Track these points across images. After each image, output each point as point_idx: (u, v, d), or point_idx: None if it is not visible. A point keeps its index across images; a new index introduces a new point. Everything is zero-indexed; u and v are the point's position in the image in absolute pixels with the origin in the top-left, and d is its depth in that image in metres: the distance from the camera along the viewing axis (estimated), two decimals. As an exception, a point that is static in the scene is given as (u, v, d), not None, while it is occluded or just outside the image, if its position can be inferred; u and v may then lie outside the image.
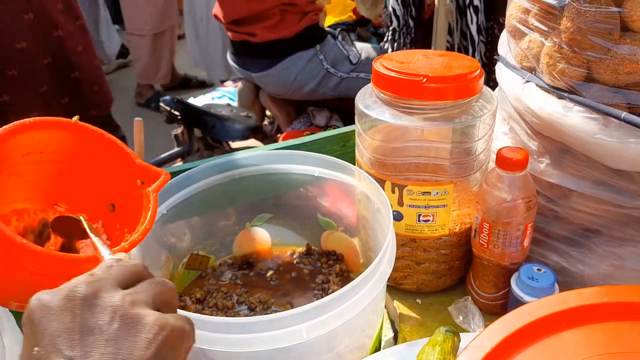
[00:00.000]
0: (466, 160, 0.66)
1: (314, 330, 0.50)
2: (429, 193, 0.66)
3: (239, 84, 1.73)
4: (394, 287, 0.78)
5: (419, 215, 0.68)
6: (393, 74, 0.63)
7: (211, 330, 0.49)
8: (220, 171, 0.75)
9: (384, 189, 0.65)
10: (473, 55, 1.50)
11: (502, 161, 0.61)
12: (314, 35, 1.62)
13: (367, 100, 0.68)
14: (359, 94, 0.71)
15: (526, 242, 0.66)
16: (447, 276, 0.74)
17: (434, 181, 0.66)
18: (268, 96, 1.64)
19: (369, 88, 0.71)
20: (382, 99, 0.66)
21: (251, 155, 0.78)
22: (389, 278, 0.74)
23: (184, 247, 0.78)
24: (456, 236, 0.71)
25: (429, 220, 0.69)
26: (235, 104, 1.69)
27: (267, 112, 1.75)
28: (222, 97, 1.92)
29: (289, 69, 1.56)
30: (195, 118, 1.40)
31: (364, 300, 0.52)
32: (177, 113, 1.41)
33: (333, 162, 0.73)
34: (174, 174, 0.71)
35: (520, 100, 0.64)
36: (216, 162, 0.75)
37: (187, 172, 0.73)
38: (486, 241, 0.66)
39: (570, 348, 0.43)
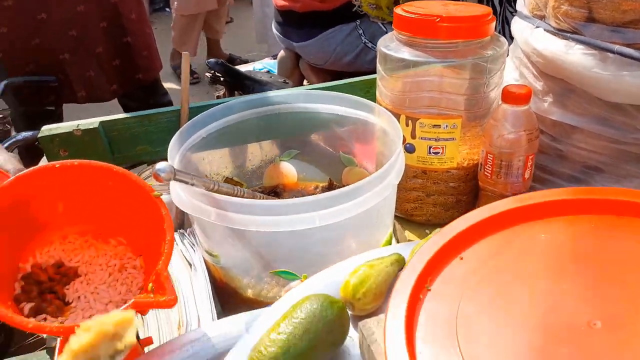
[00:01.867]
0: (476, 97, 0.72)
1: (326, 218, 0.58)
2: (439, 126, 0.73)
3: (281, 53, 1.83)
4: (405, 219, 0.85)
5: (430, 148, 0.75)
6: (411, 16, 0.71)
7: (238, 212, 0.57)
8: (256, 106, 0.84)
9: (399, 122, 0.73)
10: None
11: (507, 96, 0.68)
12: (354, 10, 1.70)
13: (388, 43, 0.76)
14: (380, 40, 0.78)
15: (527, 174, 0.72)
16: (455, 209, 0.81)
17: (445, 115, 0.73)
18: (308, 65, 1.74)
19: (389, 34, 0.78)
20: (401, 40, 0.74)
21: (284, 93, 0.86)
22: (400, 210, 0.83)
23: (219, 173, 0.88)
24: (464, 170, 0.78)
25: (438, 153, 0.75)
26: (274, 74, 1.80)
27: (305, 82, 1.84)
28: (263, 68, 2.03)
29: (329, 40, 1.64)
30: (237, 81, 1.51)
31: (372, 200, 0.60)
32: (220, 75, 1.52)
33: (356, 100, 0.80)
34: (214, 105, 0.80)
35: (528, 43, 0.70)
36: (253, 97, 0.84)
37: (226, 103, 0.82)
38: (490, 172, 0.72)
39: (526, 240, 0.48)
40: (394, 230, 0.84)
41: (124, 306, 0.47)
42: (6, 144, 1.17)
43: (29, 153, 1.37)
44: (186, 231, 0.78)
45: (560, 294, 0.43)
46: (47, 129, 0.79)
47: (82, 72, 1.62)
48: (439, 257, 0.49)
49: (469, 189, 0.80)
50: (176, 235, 0.77)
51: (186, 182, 0.57)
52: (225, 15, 3.76)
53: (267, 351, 0.44)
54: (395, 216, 0.84)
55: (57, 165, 0.58)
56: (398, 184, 0.71)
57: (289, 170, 0.93)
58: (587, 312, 0.40)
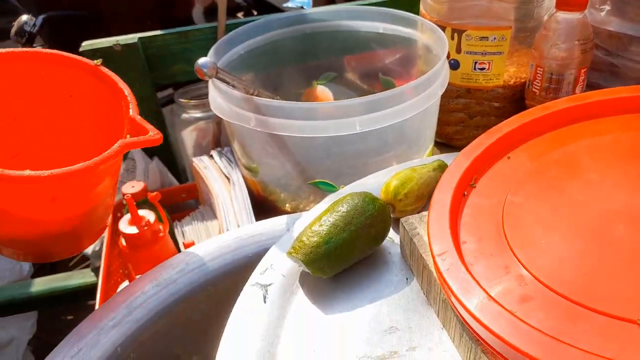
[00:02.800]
0: (528, 6, 0.68)
1: (366, 124, 0.57)
2: (486, 38, 0.69)
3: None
4: (446, 144, 0.83)
5: (475, 63, 0.72)
6: None
7: (278, 116, 0.57)
8: (294, 23, 0.82)
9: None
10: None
11: (562, 1, 0.63)
12: None
13: (435, -50, 0.72)
14: (428, -52, 0.74)
15: (578, 90, 0.68)
16: (498, 131, 0.78)
17: (493, 26, 0.69)
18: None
19: (438, -58, 0.74)
20: (449, -54, 0.69)
21: (321, 10, 0.84)
22: (440, 134, 0.80)
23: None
24: (510, 89, 0.75)
25: (484, 69, 0.72)
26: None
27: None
28: (297, 4, 1.98)
29: None
30: (268, 12, 1.48)
31: (414, 107, 0.58)
32: (253, 8, 1.50)
33: (397, 15, 0.77)
34: (247, 23, 0.78)
35: (589, -56, 0.65)
36: (291, 14, 0.82)
37: (264, 19, 0.80)
38: (539, 88, 0.69)
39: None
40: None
41: (112, 148, 0.44)
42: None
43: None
44: (223, 149, 0.78)
45: (614, 184, 0.41)
46: (89, 44, 0.80)
47: (116, 7, 1.62)
48: (485, 155, 0.48)
49: (514, 111, 0.77)
50: (214, 153, 0.78)
51: (227, 82, 0.56)
52: None
53: (309, 241, 0.45)
54: (435, 142, 0.82)
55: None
56: (439, 107, 0.69)
57: (325, 94, 0.91)
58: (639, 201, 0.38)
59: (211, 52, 0.68)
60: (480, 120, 0.78)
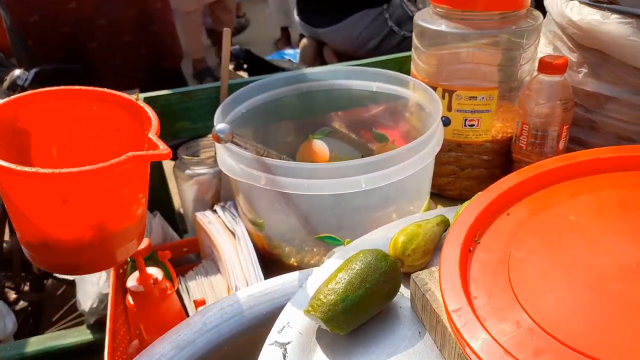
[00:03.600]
0: (511, 69, 0.74)
1: (371, 182, 0.60)
2: (475, 98, 0.75)
3: (303, 41, 1.86)
4: (439, 195, 0.87)
5: (465, 120, 0.77)
6: (449, -11, 0.72)
7: (287, 176, 0.60)
8: (293, 82, 0.86)
9: (434, 96, 0.75)
10: None
11: (544, 65, 0.69)
12: None
13: (426, 17, 0.78)
14: (417, 15, 0.80)
15: (561, 145, 0.73)
16: (489, 183, 0.82)
17: (481, 87, 0.75)
18: (332, 52, 1.76)
19: (427, 9, 0.80)
20: (438, 14, 0.75)
21: (318, 70, 0.89)
22: (434, 185, 0.85)
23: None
24: (498, 143, 0.80)
25: (474, 125, 0.77)
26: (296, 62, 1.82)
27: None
28: (284, 57, 2.06)
29: (355, 24, 1.67)
30: (259, 68, 1.53)
31: (414, 165, 0.62)
32: (243, 62, 1.55)
33: (391, 75, 0.82)
34: (249, 83, 0.83)
35: (564, 14, 0.71)
36: (290, 74, 0.87)
37: (265, 79, 0.84)
38: (525, 143, 0.74)
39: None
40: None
41: (119, 159, 0.47)
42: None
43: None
44: (226, 204, 0.81)
45: (608, 239, 0.44)
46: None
47: (109, 60, 1.66)
48: (486, 213, 0.51)
49: (502, 162, 0.82)
50: (217, 208, 0.80)
51: (240, 145, 0.59)
52: (234, 8, 3.66)
53: (326, 299, 0.47)
54: (428, 192, 0.86)
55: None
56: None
57: (321, 148, 0.95)
58: (636, 255, 0.42)
59: (218, 113, 0.71)
60: (471, 172, 0.82)
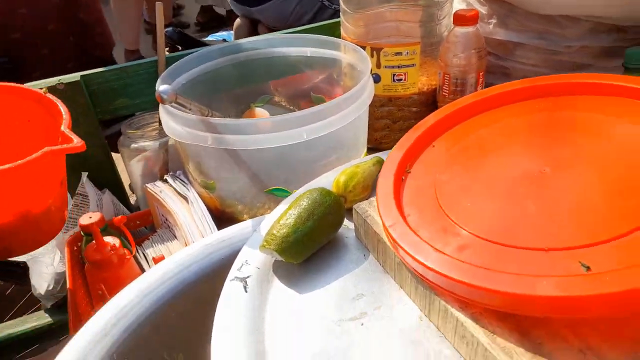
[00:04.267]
0: (430, 24, 0.81)
1: (312, 133, 0.65)
2: (400, 53, 0.81)
3: (237, 21, 1.87)
4: (376, 149, 0.94)
5: (394, 75, 0.83)
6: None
7: (233, 133, 0.64)
8: (229, 53, 0.89)
9: (364, 54, 0.80)
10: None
11: (458, 18, 0.76)
12: None
13: (349, -19, 0.83)
14: (342, -20, 0.85)
15: (479, 90, 0.81)
16: (419, 133, 0.90)
17: (405, 42, 0.81)
18: (267, 29, 1.79)
19: (350, -26, 0.85)
20: (361, -23, 0.81)
21: (254, 39, 0.92)
22: (370, 140, 0.91)
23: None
24: (425, 95, 0.87)
25: (401, 80, 0.84)
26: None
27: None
28: (219, 38, 2.07)
29: (287, 1, 1.70)
30: (193, 47, 1.54)
31: (350, 115, 0.68)
32: (177, 44, 1.55)
33: (323, 39, 0.87)
34: (186, 55, 0.85)
35: (472, -28, 0.79)
36: (226, 45, 0.89)
37: (201, 51, 0.87)
38: (447, 91, 0.81)
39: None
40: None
41: (34, 155, 0.51)
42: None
43: None
44: (176, 173, 0.83)
45: (516, 155, 0.52)
46: (31, 85, 0.82)
47: (36, 51, 1.60)
48: (414, 146, 0.58)
49: (429, 112, 0.89)
50: (167, 177, 0.83)
51: (185, 106, 0.62)
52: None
53: (279, 233, 0.51)
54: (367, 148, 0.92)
55: None
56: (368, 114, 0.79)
57: (263, 115, 0.99)
58: (539, 163, 0.49)
59: (159, 83, 0.73)
60: (403, 124, 0.89)
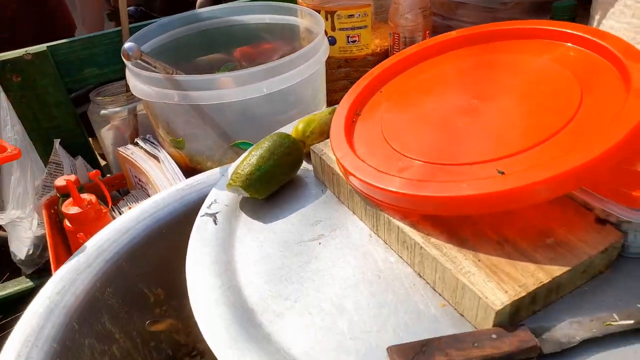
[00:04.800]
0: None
1: (271, 86, 0.70)
2: (353, 15, 0.87)
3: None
4: (336, 109, 1.00)
5: (348, 37, 0.89)
6: None
7: (198, 89, 0.69)
8: (190, 22, 0.94)
9: (319, 18, 0.86)
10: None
11: (403, -19, 0.83)
12: None
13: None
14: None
15: (427, 48, 0.88)
16: (375, 92, 0.96)
17: (357, 5, 0.87)
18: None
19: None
20: (312, -55, 0.86)
21: (215, 8, 0.96)
22: (330, 101, 0.97)
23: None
24: (378, 56, 0.93)
25: (355, 41, 0.90)
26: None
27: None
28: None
29: None
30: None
31: (308, 69, 0.73)
32: (137, 20, 1.57)
33: (280, 6, 0.92)
34: (145, 26, 0.89)
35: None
36: (186, 14, 0.93)
37: (161, 20, 0.90)
38: (398, 50, 0.88)
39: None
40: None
41: None
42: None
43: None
44: (146, 136, 0.88)
45: (451, 93, 0.59)
46: (-3, 56, 0.84)
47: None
48: (363, 93, 0.64)
49: (384, 73, 0.95)
50: (138, 140, 0.87)
51: (149, 64, 0.67)
52: None
53: (243, 171, 0.57)
54: (327, 109, 0.98)
55: None
56: (327, 77, 0.85)
57: (228, 81, 1.04)
58: (468, 98, 0.56)
59: (122, 51, 0.77)
60: (360, 84, 0.95)
